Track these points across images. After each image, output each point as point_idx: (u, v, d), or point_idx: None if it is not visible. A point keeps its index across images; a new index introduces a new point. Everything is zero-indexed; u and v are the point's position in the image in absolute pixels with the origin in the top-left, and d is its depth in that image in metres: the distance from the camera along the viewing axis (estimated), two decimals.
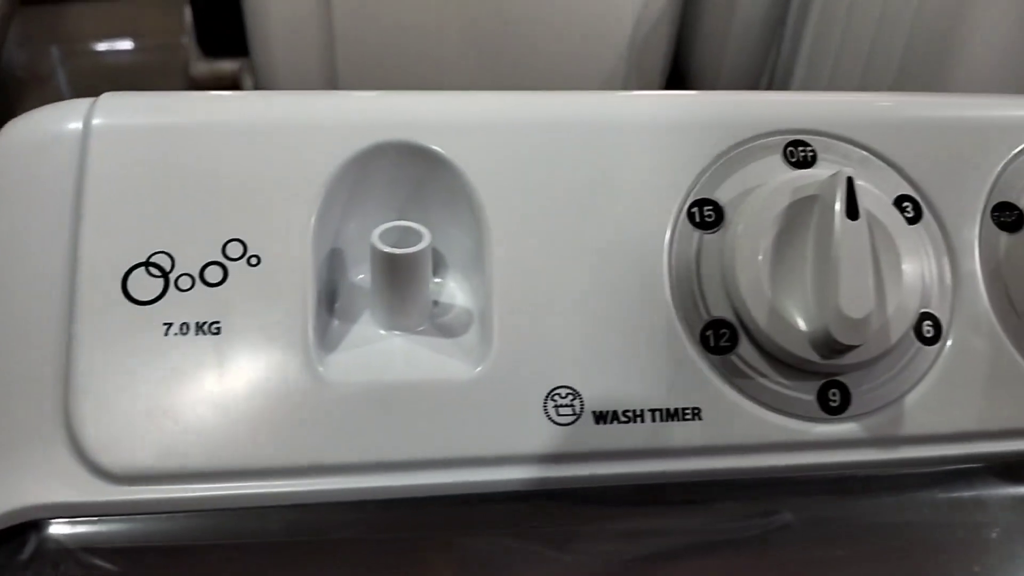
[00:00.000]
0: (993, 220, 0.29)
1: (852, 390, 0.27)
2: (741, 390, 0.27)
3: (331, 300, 0.28)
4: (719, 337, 0.27)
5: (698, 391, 0.26)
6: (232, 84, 0.71)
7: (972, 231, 0.29)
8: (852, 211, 0.26)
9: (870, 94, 0.31)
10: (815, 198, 0.27)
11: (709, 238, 0.28)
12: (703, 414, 0.26)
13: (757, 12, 0.65)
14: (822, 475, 0.27)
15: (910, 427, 0.27)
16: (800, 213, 0.27)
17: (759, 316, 0.26)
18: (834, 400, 0.27)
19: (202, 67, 0.73)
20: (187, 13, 0.74)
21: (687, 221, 0.28)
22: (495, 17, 0.60)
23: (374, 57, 0.59)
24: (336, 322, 0.27)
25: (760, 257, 0.26)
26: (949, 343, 0.28)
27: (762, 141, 0.29)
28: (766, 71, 0.69)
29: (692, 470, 0.26)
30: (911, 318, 0.27)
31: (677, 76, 0.71)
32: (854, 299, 0.25)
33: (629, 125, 0.28)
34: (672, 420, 0.26)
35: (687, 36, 0.70)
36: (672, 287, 0.27)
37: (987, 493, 0.28)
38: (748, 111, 0.29)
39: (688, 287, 0.27)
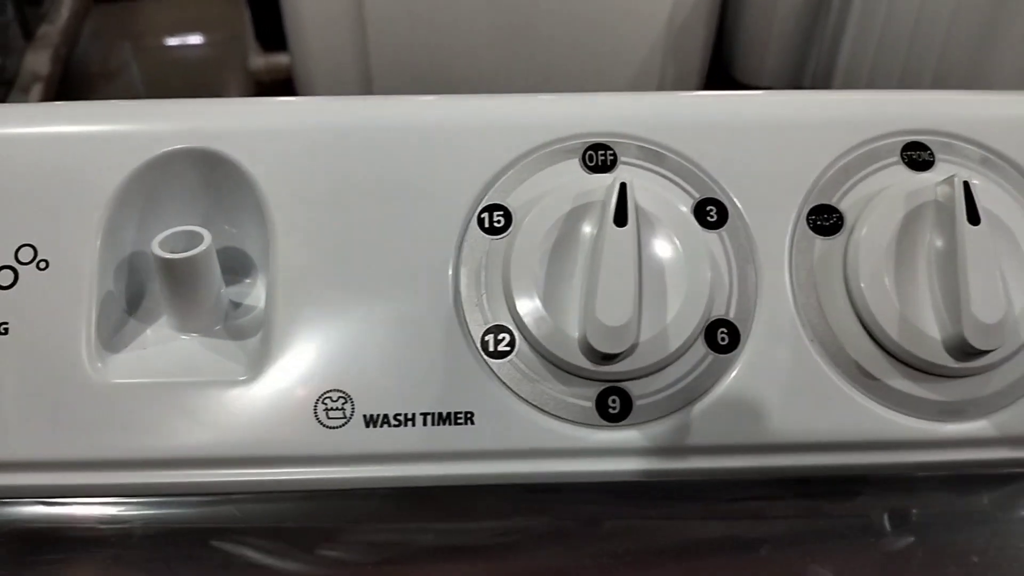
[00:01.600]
0: (809, 224, 0.28)
1: (633, 397, 0.27)
2: (519, 395, 0.27)
3: (137, 302, 0.29)
4: (499, 342, 0.27)
5: (473, 395, 0.27)
6: (289, 77, 0.72)
7: (783, 236, 0.28)
8: (621, 218, 0.26)
9: (677, 94, 0.30)
10: (588, 206, 0.26)
11: (497, 243, 0.28)
12: (476, 418, 0.27)
13: (798, 7, 0.63)
14: (600, 482, 0.27)
15: (696, 437, 0.27)
16: (574, 221, 0.27)
17: (531, 322, 0.26)
18: (613, 407, 0.27)
19: (259, 61, 0.74)
20: (246, 7, 0.75)
21: (477, 226, 0.28)
22: (527, 15, 0.60)
23: (407, 55, 0.60)
24: (133, 323, 0.28)
25: (535, 263, 0.26)
26: (747, 351, 0.27)
27: (561, 145, 0.29)
28: (808, 68, 0.68)
29: (464, 475, 0.27)
30: (694, 325, 0.26)
31: (721, 74, 0.70)
32: (611, 307, 0.25)
33: (420, 130, 0.28)
34: (444, 424, 0.26)
35: (729, 34, 0.69)
36: (457, 292, 0.27)
37: (772, 505, 0.27)
38: (547, 116, 0.29)
39: (473, 292, 0.27)
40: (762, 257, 0.28)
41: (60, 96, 0.74)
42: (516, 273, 0.26)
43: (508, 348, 0.27)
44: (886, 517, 0.26)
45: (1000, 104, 0.30)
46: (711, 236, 0.28)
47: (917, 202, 0.27)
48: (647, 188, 0.27)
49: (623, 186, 0.26)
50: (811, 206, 0.28)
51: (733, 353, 0.27)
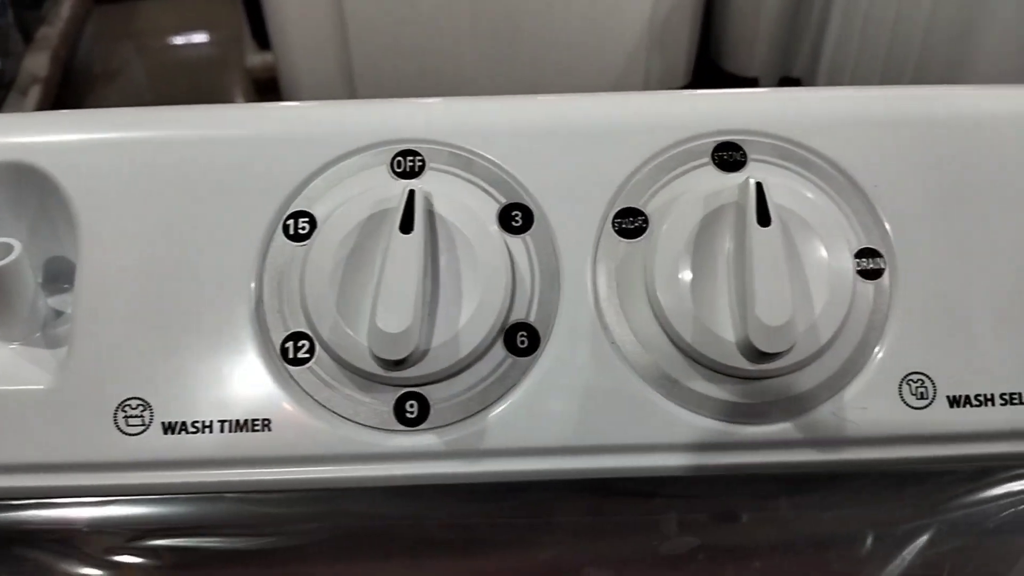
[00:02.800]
0: (615, 227, 0.28)
1: (431, 402, 0.27)
2: (317, 401, 0.27)
3: None
4: (298, 349, 0.27)
5: (270, 402, 0.27)
6: None
7: (588, 239, 0.28)
8: (406, 225, 0.26)
9: (486, 99, 0.30)
10: (386, 212, 0.27)
11: (299, 250, 0.28)
12: (272, 425, 0.27)
13: (783, 4, 0.63)
14: (399, 485, 0.27)
15: (494, 440, 0.27)
16: (371, 227, 0.27)
17: (326, 330, 0.26)
18: (411, 412, 0.27)
19: (256, 59, 0.74)
20: (241, 6, 0.75)
21: (282, 233, 0.28)
22: (510, 13, 0.60)
23: (389, 56, 0.60)
24: None
25: (331, 270, 0.26)
26: (547, 354, 0.27)
27: (370, 152, 0.29)
28: (797, 59, 0.68)
29: (260, 480, 0.27)
30: (487, 329, 0.26)
31: (710, 71, 0.70)
32: (391, 314, 0.25)
33: (228, 139, 0.28)
34: (241, 431, 0.27)
35: (718, 27, 0.69)
36: (259, 299, 0.28)
37: (560, 506, 0.27)
38: (356, 123, 0.29)
39: (275, 299, 0.28)
40: (566, 261, 0.28)
41: (60, 97, 0.75)
42: (312, 280, 0.27)
43: (308, 355, 0.27)
44: (674, 519, 0.26)
45: (814, 101, 0.30)
46: (515, 241, 0.28)
47: (716, 204, 0.27)
48: (448, 194, 0.28)
49: (411, 193, 0.26)
50: (618, 209, 0.28)
51: (532, 356, 0.27)
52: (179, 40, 0.88)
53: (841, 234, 0.27)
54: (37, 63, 0.73)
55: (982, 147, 0.29)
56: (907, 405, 0.27)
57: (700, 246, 0.27)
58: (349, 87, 0.63)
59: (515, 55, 0.62)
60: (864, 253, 0.28)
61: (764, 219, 0.26)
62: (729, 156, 0.29)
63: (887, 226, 0.28)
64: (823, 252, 0.27)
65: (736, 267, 0.26)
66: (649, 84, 0.67)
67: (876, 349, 0.28)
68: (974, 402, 0.27)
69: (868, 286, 0.28)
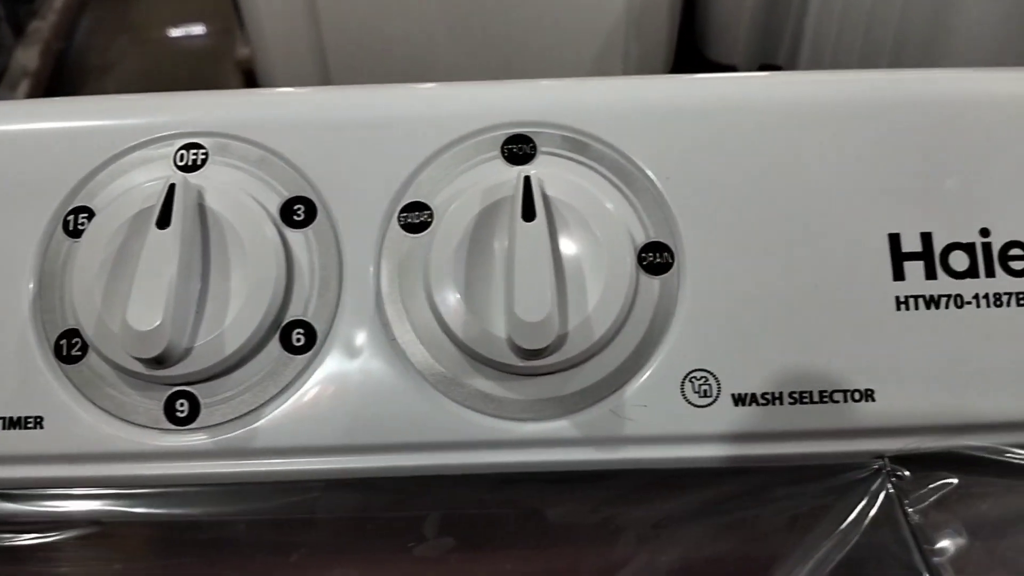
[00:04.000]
0: (400, 222, 0.28)
1: (201, 401, 0.27)
2: (89, 399, 0.27)
3: None
4: (72, 346, 0.27)
5: (42, 400, 0.27)
6: None
7: (372, 234, 0.28)
8: (163, 220, 0.25)
9: (271, 91, 0.29)
10: (150, 210, 0.26)
11: (73, 247, 0.27)
12: (45, 423, 0.27)
13: None
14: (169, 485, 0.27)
15: (266, 439, 0.27)
16: (137, 224, 0.26)
17: (91, 326, 0.26)
18: (182, 411, 0.27)
19: (244, 51, 0.73)
20: None
21: (62, 230, 0.28)
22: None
23: (362, 43, 0.60)
24: None
25: (97, 267, 0.26)
26: (324, 352, 0.27)
27: (156, 147, 0.28)
28: (781, 46, 0.67)
29: (32, 478, 0.27)
30: (254, 327, 0.26)
31: (695, 58, 0.69)
32: (141, 312, 0.24)
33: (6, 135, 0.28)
34: (15, 428, 0.27)
35: (700, 14, 0.68)
36: (35, 296, 0.27)
37: (322, 505, 0.26)
38: (142, 115, 0.29)
39: (51, 296, 0.27)
40: (350, 256, 0.27)
41: (53, 91, 0.75)
42: (79, 277, 0.26)
43: (80, 353, 0.27)
44: (435, 519, 0.25)
45: (607, 92, 0.29)
46: (296, 235, 0.28)
47: (494, 198, 0.27)
48: (224, 188, 0.27)
49: (171, 187, 0.26)
50: (404, 203, 0.28)
51: (309, 354, 0.27)
52: (175, 32, 0.88)
53: (623, 228, 0.27)
54: (28, 56, 0.74)
55: (778, 139, 0.28)
56: (689, 403, 0.27)
57: (476, 242, 0.26)
58: (323, 74, 0.62)
59: (490, 40, 0.62)
60: (651, 247, 0.27)
61: (529, 214, 0.25)
62: (519, 149, 0.28)
63: (677, 220, 0.28)
64: (600, 247, 0.26)
65: (504, 263, 0.26)
66: (628, 70, 0.66)
67: (660, 345, 0.27)
68: (760, 401, 0.27)
69: (654, 281, 0.27)
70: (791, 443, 0.27)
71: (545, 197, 0.26)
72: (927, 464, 0.26)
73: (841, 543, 0.24)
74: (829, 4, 0.59)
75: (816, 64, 0.62)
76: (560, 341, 0.26)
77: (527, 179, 0.26)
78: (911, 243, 0.27)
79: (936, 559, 0.24)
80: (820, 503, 0.25)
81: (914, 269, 0.27)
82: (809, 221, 0.28)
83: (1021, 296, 0.27)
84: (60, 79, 0.77)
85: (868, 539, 0.24)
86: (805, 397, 0.27)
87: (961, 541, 0.24)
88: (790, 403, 0.27)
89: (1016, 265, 0.27)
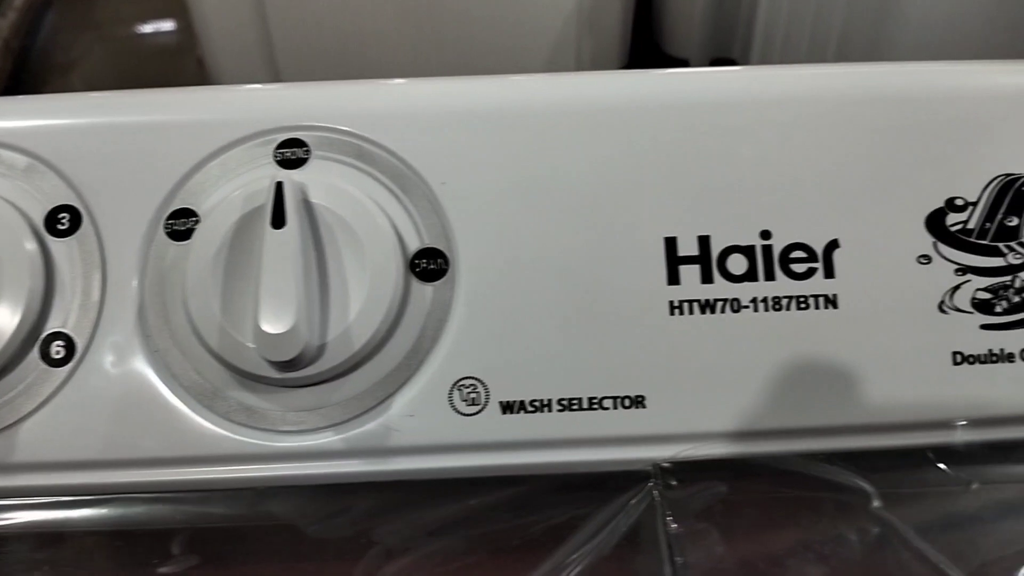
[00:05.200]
0: (167, 230, 0.27)
1: None
2: None
3: None
4: None
5: None
6: None
7: (137, 242, 0.27)
8: None
9: (31, 99, 0.29)
10: None
11: None
12: None
13: None
14: None
15: (24, 454, 0.26)
16: None
17: None
18: None
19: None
20: None
21: None
22: None
23: (310, 39, 0.59)
24: None
25: None
26: (84, 365, 0.26)
27: None
28: (736, 40, 0.66)
29: None
30: (7, 339, 0.25)
31: (653, 53, 0.68)
32: None
33: None
34: None
35: (657, 7, 0.68)
36: None
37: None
38: None
39: None
40: (114, 265, 0.27)
41: (14, 88, 0.74)
42: None
43: None
44: (186, 536, 0.25)
45: (377, 93, 0.28)
46: (60, 245, 0.27)
47: (254, 204, 0.26)
48: None
49: None
50: (172, 210, 0.27)
51: (68, 367, 0.26)
52: (141, 29, 0.87)
53: (391, 234, 0.26)
54: None
55: (554, 143, 0.27)
56: (457, 412, 0.26)
57: (236, 249, 0.26)
58: (273, 72, 0.61)
59: (441, 37, 0.61)
60: (425, 253, 0.27)
61: (278, 221, 0.25)
62: (292, 153, 0.27)
63: (452, 225, 0.27)
64: (364, 254, 0.26)
65: (256, 272, 0.25)
66: (582, 66, 0.65)
67: (430, 354, 0.26)
68: (529, 408, 0.26)
69: (427, 288, 0.27)
70: (560, 451, 0.26)
71: (307, 203, 0.26)
72: (699, 471, 0.26)
73: (596, 552, 0.24)
74: (776, 5, 0.59)
75: (767, 58, 0.62)
76: (318, 352, 0.25)
77: (279, 185, 0.25)
78: (687, 247, 0.27)
79: (687, 571, 0.23)
80: (581, 513, 0.25)
81: (690, 273, 0.27)
82: (585, 226, 0.27)
83: (802, 299, 0.27)
84: (21, 78, 0.76)
85: (622, 550, 0.24)
86: (574, 404, 0.26)
87: (718, 551, 0.24)
88: (559, 410, 0.26)
89: (797, 268, 0.27)
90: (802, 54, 0.61)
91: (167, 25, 0.84)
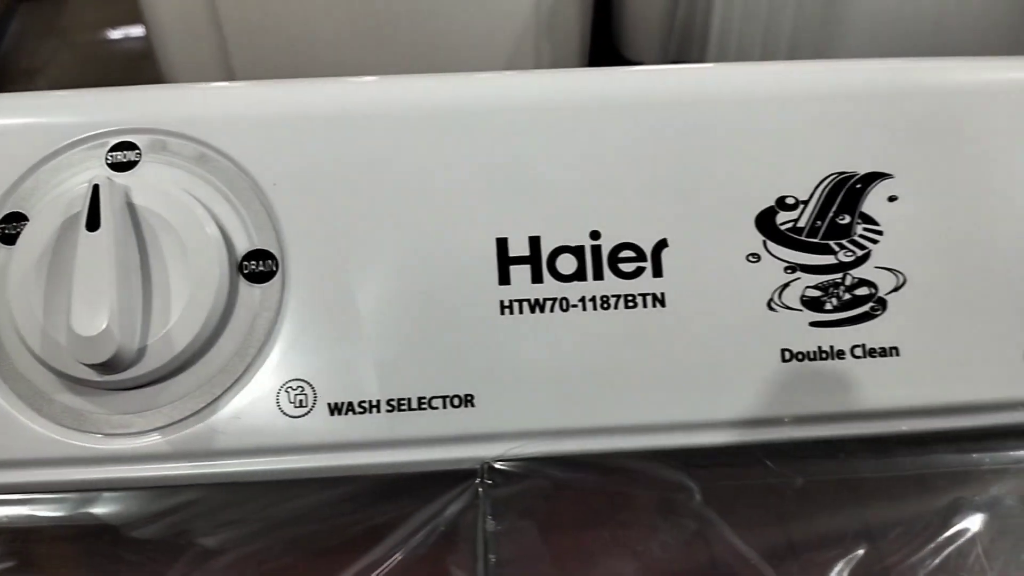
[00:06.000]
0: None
1: None
2: None
3: None
4: None
5: None
6: None
7: None
8: None
9: None
10: None
11: None
12: None
13: None
14: None
15: None
16: None
17: None
18: None
19: None
20: None
21: None
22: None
23: (263, 39, 0.58)
24: None
25: None
26: None
27: None
28: (693, 43, 0.66)
29: None
30: None
31: (612, 58, 0.68)
32: None
33: None
34: None
35: (616, 11, 0.68)
36: None
37: None
38: None
39: None
40: None
41: None
42: None
43: None
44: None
45: (211, 95, 0.28)
46: None
47: (77, 208, 0.26)
48: None
49: None
50: (4, 214, 0.27)
51: None
52: (107, 35, 0.87)
53: (216, 237, 0.26)
54: None
55: (388, 144, 0.27)
56: (284, 414, 0.26)
57: (59, 253, 0.26)
58: (226, 69, 0.61)
59: (397, 39, 0.60)
60: (255, 255, 0.27)
61: (93, 223, 0.25)
62: (124, 156, 0.27)
63: (283, 227, 0.27)
64: (188, 257, 0.26)
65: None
66: (541, 68, 0.65)
67: (258, 356, 0.26)
68: (357, 409, 0.26)
69: (255, 290, 0.27)
70: (389, 451, 0.26)
71: (131, 206, 0.26)
72: (527, 469, 0.26)
73: (411, 551, 0.24)
74: (730, 5, 0.59)
75: (723, 60, 0.62)
76: (137, 354, 0.25)
77: (95, 188, 0.25)
78: (519, 247, 0.27)
79: (501, 568, 0.23)
80: (404, 512, 0.25)
81: (520, 273, 0.27)
82: (418, 227, 0.27)
83: (630, 298, 0.27)
84: None
85: (439, 548, 0.24)
86: (403, 404, 0.26)
87: (534, 547, 0.24)
88: (388, 411, 0.26)
89: (626, 267, 0.27)
90: (756, 55, 0.61)
91: (134, 31, 0.84)
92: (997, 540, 0.24)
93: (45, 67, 0.84)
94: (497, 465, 0.26)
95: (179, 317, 0.25)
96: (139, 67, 0.81)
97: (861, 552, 0.23)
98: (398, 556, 0.23)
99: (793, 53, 0.59)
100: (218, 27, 0.57)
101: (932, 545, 0.24)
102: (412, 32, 0.59)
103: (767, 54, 0.59)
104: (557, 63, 0.65)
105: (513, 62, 0.62)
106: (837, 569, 0.23)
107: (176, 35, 0.58)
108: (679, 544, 0.24)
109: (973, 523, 0.25)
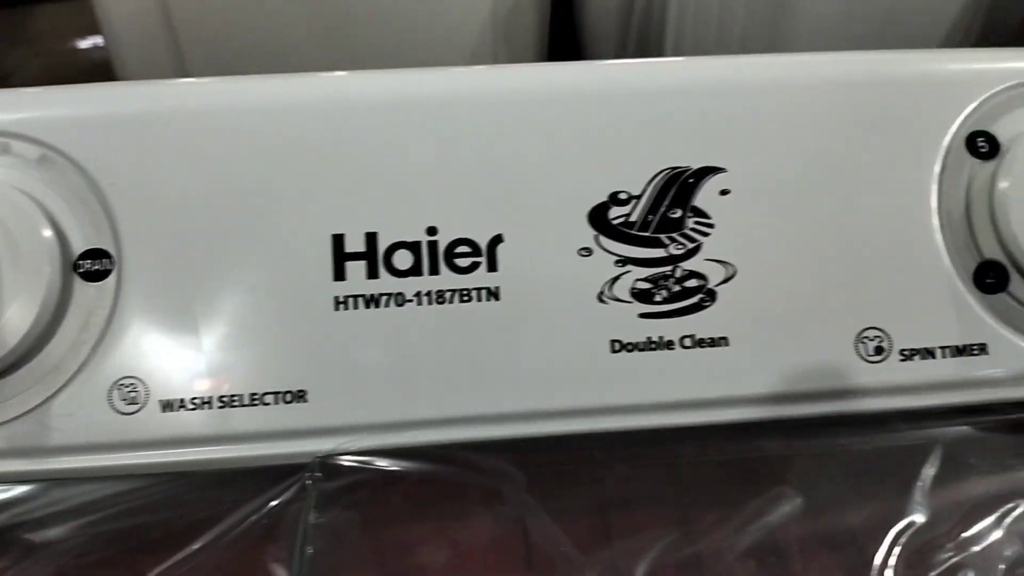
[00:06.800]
0: None
1: None
2: None
3: None
4: None
5: None
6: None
7: None
8: None
9: None
10: None
11: None
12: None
13: None
14: None
15: None
16: None
17: None
18: None
19: None
20: None
21: None
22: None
23: (216, 36, 0.58)
24: None
25: None
26: None
27: None
28: (652, 39, 0.67)
29: None
30: None
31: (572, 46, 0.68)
32: None
33: None
34: None
35: (577, 11, 0.68)
36: None
37: None
38: None
39: None
40: None
41: None
42: None
43: None
44: None
45: (51, 98, 0.29)
46: None
47: None
48: None
49: None
50: None
51: None
52: (75, 44, 0.86)
53: (49, 235, 0.26)
54: None
55: (226, 141, 0.28)
56: (116, 411, 0.26)
57: None
58: (179, 67, 0.61)
59: (353, 38, 0.60)
60: (91, 254, 0.27)
61: None
62: None
63: (119, 226, 0.27)
64: (19, 255, 0.26)
65: None
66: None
67: (91, 354, 0.27)
68: (189, 406, 0.27)
69: (90, 288, 0.27)
70: (221, 447, 0.27)
71: None
72: (358, 463, 0.26)
73: (229, 544, 0.24)
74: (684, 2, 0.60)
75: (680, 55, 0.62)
76: None
77: None
78: (355, 243, 0.28)
79: (317, 559, 0.24)
80: (228, 507, 0.25)
81: (356, 269, 0.27)
82: (254, 224, 0.27)
83: (465, 292, 0.28)
84: None
85: (261, 541, 0.24)
86: (236, 401, 0.27)
87: (354, 540, 0.24)
88: (220, 407, 0.27)
89: (461, 262, 0.28)
90: (710, 51, 0.62)
91: (103, 40, 0.84)
92: (812, 525, 0.25)
93: (13, 75, 0.84)
94: (328, 459, 0.26)
95: (9, 315, 0.26)
96: (107, 76, 0.81)
97: (672, 538, 0.24)
98: (218, 550, 0.23)
99: (745, 47, 0.60)
100: (172, 30, 0.57)
101: (748, 530, 0.25)
102: (369, 31, 0.59)
103: (722, 50, 0.60)
104: (512, 59, 0.65)
105: (470, 57, 0.62)
106: (651, 555, 0.24)
107: (130, 40, 0.57)
108: (498, 532, 0.25)
109: (790, 508, 0.25)
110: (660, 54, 0.64)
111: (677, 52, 0.62)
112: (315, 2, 0.57)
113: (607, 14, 0.65)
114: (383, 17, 0.59)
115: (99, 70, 0.83)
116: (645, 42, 0.66)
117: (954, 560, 0.24)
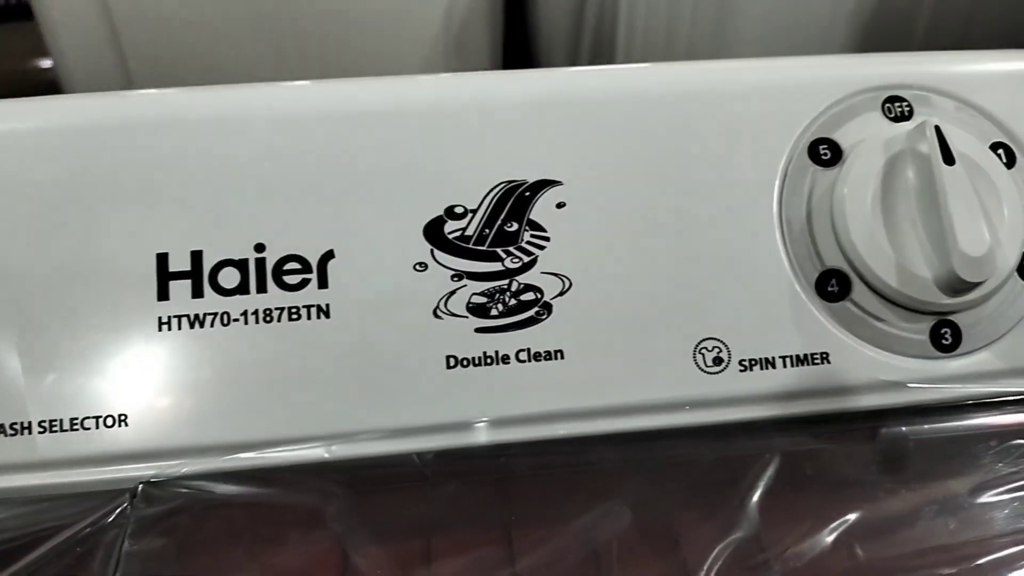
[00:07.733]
0: None
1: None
2: None
3: None
4: None
5: None
6: None
7: None
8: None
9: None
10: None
11: None
12: None
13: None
14: None
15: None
16: None
17: None
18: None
19: None
20: None
21: None
22: (290, 8, 0.56)
23: (162, 47, 0.57)
24: None
25: None
26: None
27: None
28: (603, 48, 0.67)
29: None
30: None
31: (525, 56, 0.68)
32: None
33: None
34: None
35: (530, 23, 0.67)
36: None
37: None
38: None
39: None
40: None
41: None
42: None
43: None
44: None
45: None
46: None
47: None
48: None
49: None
50: None
51: None
52: (36, 63, 0.86)
53: None
54: None
55: (50, 159, 0.27)
56: None
57: None
58: (124, 76, 0.60)
59: (302, 48, 0.59)
60: None
61: None
62: None
63: None
64: None
65: None
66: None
67: None
68: (9, 431, 0.26)
69: None
70: (42, 473, 0.26)
71: None
72: (183, 487, 0.26)
73: (44, 569, 0.23)
74: (634, 8, 0.60)
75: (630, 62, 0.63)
76: None
77: None
78: (179, 262, 0.27)
79: None
80: (45, 534, 0.24)
81: (180, 288, 0.27)
82: (79, 244, 0.27)
83: (293, 310, 0.27)
84: None
85: (75, 571, 0.24)
86: (55, 426, 0.26)
87: (168, 567, 0.24)
88: (40, 432, 0.26)
89: (290, 279, 0.27)
90: (659, 57, 0.62)
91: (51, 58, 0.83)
92: (638, 540, 0.25)
93: None
94: (149, 485, 0.26)
95: None
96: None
97: (493, 554, 0.24)
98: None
99: (691, 54, 0.60)
100: (112, 31, 0.57)
101: (573, 544, 0.24)
102: (319, 41, 0.59)
103: (671, 57, 0.60)
104: (465, 68, 0.65)
105: (422, 66, 0.62)
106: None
107: (69, 40, 0.57)
108: (315, 556, 0.24)
109: (617, 522, 0.25)
110: (612, 62, 0.65)
111: (628, 59, 0.63)
112: (264, 17, 0.56)
113: (559, 23, 0.65)
114: (333, 23, 0.58)
115: (57, 90, 0.82)
116: (598, 49, 0.66)
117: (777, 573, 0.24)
